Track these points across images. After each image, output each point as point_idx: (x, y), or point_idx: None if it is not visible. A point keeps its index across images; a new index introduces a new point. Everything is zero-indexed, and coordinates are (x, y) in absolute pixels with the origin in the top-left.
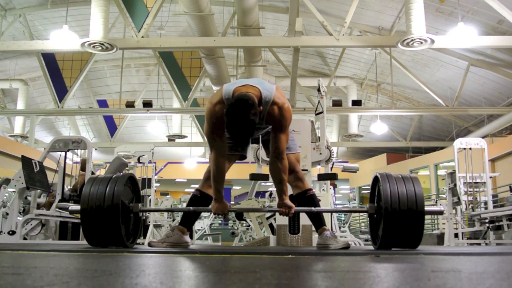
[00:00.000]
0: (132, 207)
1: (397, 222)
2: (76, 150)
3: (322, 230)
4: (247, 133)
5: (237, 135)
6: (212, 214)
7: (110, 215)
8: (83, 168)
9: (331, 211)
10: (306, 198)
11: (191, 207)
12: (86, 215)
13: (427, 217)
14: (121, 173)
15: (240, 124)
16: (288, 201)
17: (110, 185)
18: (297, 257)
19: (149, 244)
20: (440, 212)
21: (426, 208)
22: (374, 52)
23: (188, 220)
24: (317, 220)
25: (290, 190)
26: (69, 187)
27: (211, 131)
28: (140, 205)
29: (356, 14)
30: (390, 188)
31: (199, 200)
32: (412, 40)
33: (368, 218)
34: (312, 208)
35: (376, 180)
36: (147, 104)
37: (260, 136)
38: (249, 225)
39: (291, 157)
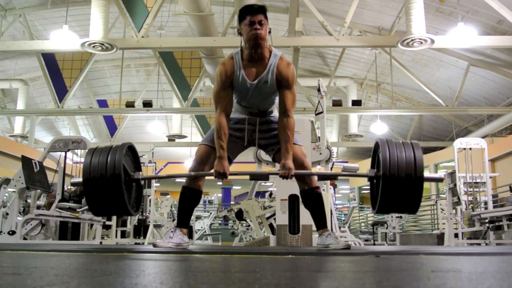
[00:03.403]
0: (133, 175)
1: (395, 187)
2: (76, 150)
3: (323, 231)
4: (259, 7)
5: (250, 9)
6: (214, 175)
7: (113, 184)
8: None
9: (328, 174)
10: (313, 196)
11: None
12: (89, 186)
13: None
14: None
15: (253, 5)
16: (290, 162)
17: (111, 155)
18: (297, 257)
19: (154, 245)
20: (440, 179)
21: (425, 175)
22: (374, 52)
23: (185, 219)
24: (321, 220)
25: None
26: (69, 187)
27: (219, 88)
28: (141, 173)
29: (356, 14)
30: (389, 153)
31: (190, 198)
32: (412, 40)
33: (367, 219)
34: (306, 171)
35: (377, 146)
36: (147, 104)
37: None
38: (249, 225)
39: (295, 148)
